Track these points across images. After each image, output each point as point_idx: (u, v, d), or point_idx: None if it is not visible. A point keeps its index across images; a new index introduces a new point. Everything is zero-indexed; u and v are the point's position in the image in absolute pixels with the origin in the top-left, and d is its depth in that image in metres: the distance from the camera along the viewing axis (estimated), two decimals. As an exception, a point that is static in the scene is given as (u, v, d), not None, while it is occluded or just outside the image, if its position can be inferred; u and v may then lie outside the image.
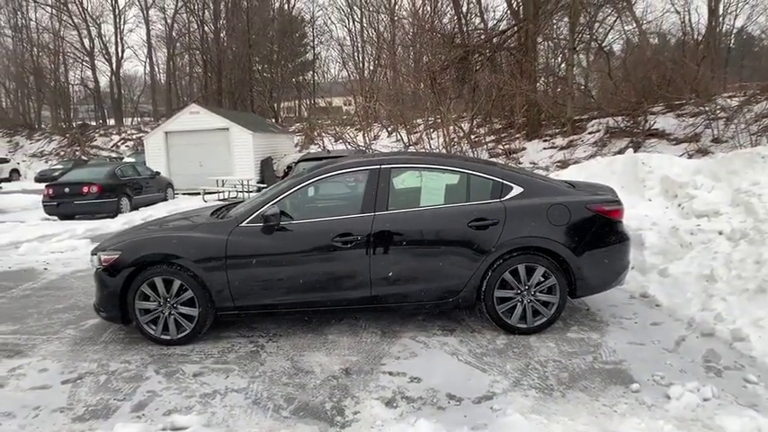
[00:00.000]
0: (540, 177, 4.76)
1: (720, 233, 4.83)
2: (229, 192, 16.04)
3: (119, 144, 34.71)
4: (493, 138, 14.78)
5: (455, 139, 13.75)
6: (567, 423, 2.99)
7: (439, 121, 14.68)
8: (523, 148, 13.42)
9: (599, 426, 2.95)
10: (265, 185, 16.98)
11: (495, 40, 12.75)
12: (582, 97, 13.17)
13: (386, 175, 4.27)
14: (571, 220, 4.12)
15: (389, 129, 22.65)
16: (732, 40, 22.92)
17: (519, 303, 4.17)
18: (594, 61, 15.38)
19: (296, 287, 4.23)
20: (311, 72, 38.67)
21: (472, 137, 13.98)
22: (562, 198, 4.21)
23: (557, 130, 12.92)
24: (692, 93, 11.04)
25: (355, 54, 36.57)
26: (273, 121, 30.79)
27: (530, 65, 12.12)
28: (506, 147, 13.42)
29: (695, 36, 18.19)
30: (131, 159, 22.84)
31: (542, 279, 4.13)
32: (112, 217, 12.69)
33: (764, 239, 4.46)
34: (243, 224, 4.25)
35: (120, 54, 43.23)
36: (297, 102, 37.44)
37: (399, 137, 19.66)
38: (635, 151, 8.78)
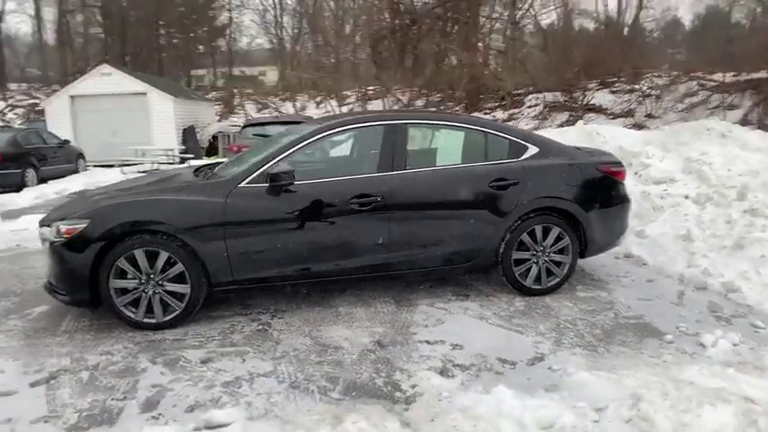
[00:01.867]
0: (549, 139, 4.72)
1: (686, 197, 5.22)
2: (153, 163, 14.23)
3: (4, 111, 29.18)
4: (432, 110, 14.84)
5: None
6: (637, 376, 2.99)
7: (375, 91, 14.42)
8: None
9: (666, 376, 3.00)
10: (193, 156, 15.48)
11: (438, 10, 12.69)
12: (519, 72, 13.63)
13: (402, 132, 3.96)
14: (584, 181, 4.15)
15: (317, 99, 21.68)
16: (661, 24, 24.62)
17: (534, 265, 4.14)
18: (532, 37, 15.92)
19: (306, 256, 3.80)
20: (226, 37, 34.90)
21: (410, 109, 13.94)
22: (575, 159, 4.22)
23: (495, 104, 13.31)
24: (619, 72, 12.01)
25: (277, 18, 33.82)
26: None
27: (472, 37, 12.27)
28: None
29: (626, 18, 19.30)
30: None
31: (557, 240, 4.14)
32: (17, 191, 10.80)
33: (729, 202, 4.89)
34: (242, 184, 3.70)
35: (1, 6, 36.52)
36: (213, 69, 33.88)
37: (331, 107, 18.89)
38: (574, 125, 9.37)
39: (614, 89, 12.20)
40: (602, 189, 4.20)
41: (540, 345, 3.46)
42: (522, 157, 4.10)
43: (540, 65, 14.61)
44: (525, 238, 4.07)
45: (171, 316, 3.70)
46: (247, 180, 3.70)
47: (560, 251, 4.16)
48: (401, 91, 13.24)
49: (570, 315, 3.89)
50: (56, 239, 3.61)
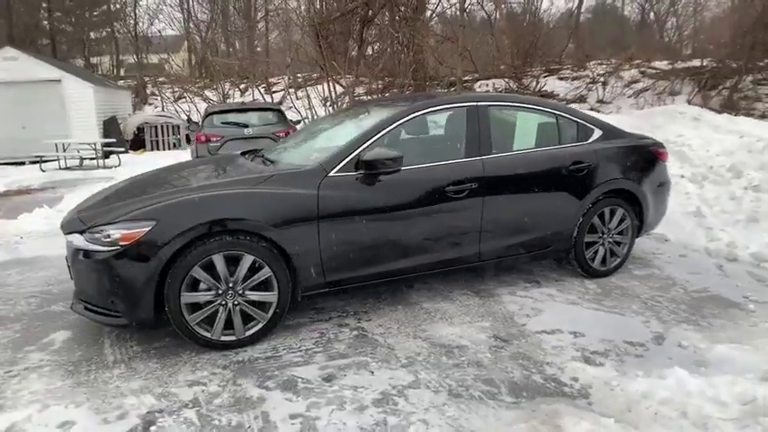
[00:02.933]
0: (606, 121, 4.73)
1: (683, 176, 5.61)
2: (81, 159, 11.87)
3: None
4: (377, 97, 14.29)
5: (338, 97, 12.82)
6: (768, 345, 3.12)
7: (304, 78, 13.42)
8: None
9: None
10: (124, 150, 13.33)
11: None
12: (467, 59, 13.65)
13: (485, 114, 3.71)
14: (644, 163, 4.24)
15: (241, 86, 19.74)
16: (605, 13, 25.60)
17: (601, 247, 4.15)
18: (481, 24, 15.86)
19: (401, 250, 3.42)
20: (127, 20, 29.89)
21: (354, 95, 13.26)
22: (635, 141, 4.30)
23: (444, 91, 13.24)
24: (559, 58, 12.57)
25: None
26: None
27: (420, 23, 12.00)
28: None
29: (572, 7, 19.85)
30: None
31: (620, 221, 4.18)
32: None
33: (728, 180, 5.35)
34: (333, 173, 3.21)
35: None
36: (115, 56, 29.01)
37: (260, 93, 17.25)
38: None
39: (561, 76, 12.89)
40: (655, 170, 4.31)
41: (648, 324, 3.46)
42: (590, 140, 4.07)
43: (487, 52, 14.99)
44: (596, 220, 4.05)
45: (253, 330, 3.12)
46: (337, 167, 3.22)
47: (621, 233, 4.22)
48: (341, 77, 12.68)
49: (646, 293, 3.95)
50: (103, 248, 2.84)
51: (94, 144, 12.04)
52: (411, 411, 2.54)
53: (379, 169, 3.18)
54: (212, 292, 2.97)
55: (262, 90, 17.90)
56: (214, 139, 7.95)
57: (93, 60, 29.20)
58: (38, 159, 11.56)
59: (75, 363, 2.95)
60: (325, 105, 13.33)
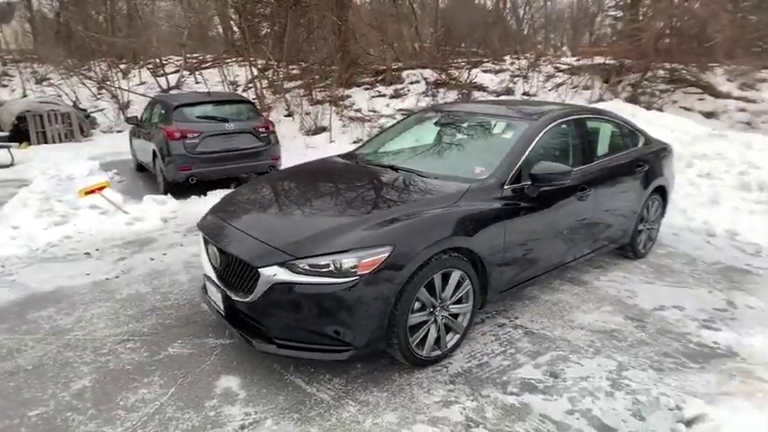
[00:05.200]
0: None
1: (645, 167, 6.72)
2: None
3: None
4: (299, 83, 13.39)
5: (259, 82, 11.84)
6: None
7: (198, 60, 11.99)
8: (348, 96, 12.89)
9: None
10: (18, 144, 10.68)
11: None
12: (392, 48, 13.47)
13: (584, 125, 4.21)
14: (669, 161, 5.12)
15: (122, 67, 16.67)
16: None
17: (645, 233, 4.95)
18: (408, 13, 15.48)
19: (548, 253, 3.79)
20: None
21: (275, 81, 12.36)
22: (663, 143, 5.14)
23: (369, 79, 13.00)
24: (474, 50, 13.10)
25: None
26: None
27: (346, 10, 11.62)
28: (333, 93, 12.26)
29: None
30: None
31: (656, 211, 5.02)
32: None
33: (682, 169, 6.57)
34: (507, 185, 3.43)
35: None
36: None
37: (155, 80, 14.81)
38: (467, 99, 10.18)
39: (485, 69, 13.65)
40: (671, 167, 5.24)
41: (713, 293, 4.30)
42: (640, 144, 4.82)
43: (413, 42, 15.13)
44: (645, 212, 4.83)
45: (453, 342, 3.25)
46: (509, 180, 3.45)
47: (655, 220, 5.07)
48: (267, 60, 11.85)
49: (683, 269, 4.82)
50: (348, 279, 2.74)
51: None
52: (645, 388, 2.98)
53: (550, 182, 3.47)
54: (427, 311, 3.05)
55: (148, 72, 15.91)
56: (191, 135, 7.21)
57: None
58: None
59: (292, 408, 2.80)
60: (235, 89, 12.58)
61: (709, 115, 11.25)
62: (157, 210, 6.32)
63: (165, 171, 7.31)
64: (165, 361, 3.18)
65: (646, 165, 4.66)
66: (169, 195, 7.03)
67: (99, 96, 15.80)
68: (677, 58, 11.58)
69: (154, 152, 7.61)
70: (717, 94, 11.59)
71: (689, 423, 2.66)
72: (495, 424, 2.67)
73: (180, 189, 7.36)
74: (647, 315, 3.89)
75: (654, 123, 7.73)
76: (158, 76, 15.61)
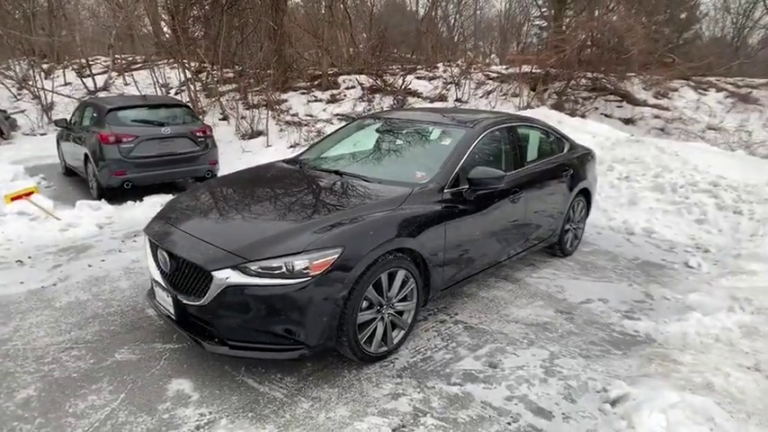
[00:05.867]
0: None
1: (571, 171, 7.19)
2: None
3: None
4: (234, 87, 12.93)
5: (192, 85, 11.39)
6: (714, 292, 4.59)
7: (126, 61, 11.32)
8: (285, 100, 12.62)
9: (723, 281, 4.68)
10: None
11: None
12: (328, 54, 13.29)
13: (515, 132, 4.50)
14: (591, 164, 5.53)
15: (45, 66, 15.35)
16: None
17: (571, 232, 5.33)
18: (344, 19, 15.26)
19: (484, 252, 4.03)
20: None
21: (209, 84, 11.90)
22: (586, 149, 5.54)
23: (305, 83, 12.80)
24: (408, 57, 13.20)
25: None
26: None
27: (281, 13, 11.39)
28: (269, 97, 11.94)
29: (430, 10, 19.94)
30: None
31: (581, 211, 5.41)
32: None
33: (604, 172, 7.08)
34: (446, 189, 3.64)
35: None
36: None
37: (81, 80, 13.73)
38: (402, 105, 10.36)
39: (419, 75, 13.86)
40: (594, 170, 5.65)
41: (632, 286, 4.71)
42: (566, 150, 5.19)
43: (347, 48, 15.05)
44: (571, 213, 5.20)
45: (399, 338, 3.42)
46: (448, 184, 3.66)
47: (580, 220, 5.47)
48: (202, 63, 11.46)
49: (607, 264, 5.24)
50: (299, 280, 2.84)
51: None
52: (575, 373, 3.27)
53: (486, 186, 3.71)
54: (374, 309, 3.20)
55: (74, 73, 15.04)
56: (126, 139, 6.98)
57: None
58: None
59: (246, 407, 2.88)
60: (167, 92, 12.21)
61: (628, 122, 12.15)
62: (92, 216, 6.12)
63: (98, 176, 7.06)
64: (113, 367, 3.16)
65: (571, 169, 5.04)
66: (103, 201, 6.82)
67: (19, 97, 14.90)
68: (598, 67, 12.43)
69: (86, 156, 7.32)
70: (634, 102, 12.51)
71: (614, 403, 2.96)
72: (440, 412, 2.85)
73: (115, 194, 7.15)
74: (574, 308, 4.22)
75: (578, 129, 8.28)
76: (84, 77, 14.87)
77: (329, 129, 11.05)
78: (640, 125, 12.05)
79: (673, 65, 13.42)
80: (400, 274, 3.28)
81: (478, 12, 29.35)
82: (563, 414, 2.89)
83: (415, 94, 12.81)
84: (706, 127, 11.74)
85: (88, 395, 2.89)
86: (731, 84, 13.63)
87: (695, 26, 25.52)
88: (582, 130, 8.40)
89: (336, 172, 3.97)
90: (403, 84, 12.79)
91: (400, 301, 3.35)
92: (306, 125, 11.84)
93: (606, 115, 12.28)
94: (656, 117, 12.24)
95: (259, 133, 11.76)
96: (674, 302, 4.40)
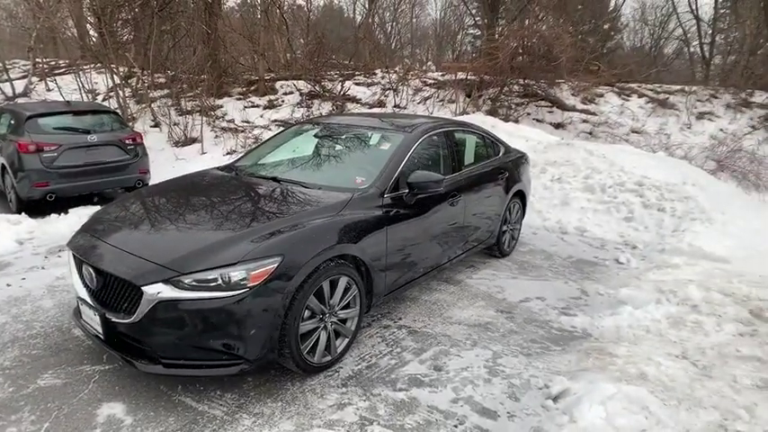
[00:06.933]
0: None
1: (507, 174, 7.38)
2: None
3: None
4: (166, 92, 12.23)
5: (121, 90, 10.72)
6: (643, 285, 4.81)
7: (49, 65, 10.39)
8: (220, 106, 12.06)
9: (652, 275, 4.92)
10: None
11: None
12: (267, 59, 12.85)
13: (452, 137, 4.54)
14: (525, 167, 5.68)
15: None
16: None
17: (508, 233, 5.45)
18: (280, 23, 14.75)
19: (426, 255, 4.04)
20: None
21: (139, 89, 11.17)
22: (520, 152, 5.68)
23: (241, 89, 12.34)
24: (346, 63, 12.97)
25: None
26: None
27: (220, 20, 10.90)
28: (203, 103, 11.38)
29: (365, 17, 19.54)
30: None
31: (517, 212, 5.55)
32: None
33: (537, 174, 7.31)
34: (386, 194, 3.62)
35: None
36: None
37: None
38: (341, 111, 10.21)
39: (357, 81, 13.74)
40: (528, 173, 5.82)
41: (568, 284, 4.88)
42: (501, 153, 5.30)
43: (284, 53, 14.65)
44: (508, 215, 5.32)
45: (343, 346, 3.37)
46: (388, 189, 3.64)
47: (517, 221, 5.61)
48: (115, 68, 10.80)
49: (543, 263, 5.40)
50: (238, 292, 2.73)
51: None
52: (517, 372, 3.32)
53: (425, 189, 3.73)
54: (316, 318, 3.13)
55: None
56: (48, 148, 6.52)
57: None
58: None
59: (184, 428, 2.74)
60: (94, 98, 11.58)
61: (558, 126, 12.66)
62: (11, 230, 5.69)
63: (17, 188, 6.59)
64: (36, 394, 2.92)
65: (506, 172, 5.17)
66: (24, 214, 6.35)
67: None
68: (530, 74, 12.89)
69: (3, 167, 6.82)
70: (564, 108, 13.07)
71: (556, 398, 3.03)
72: (387, 420, 2.82)
73: (36, 207, 6.68)
74: (514, 307, 4.31)
75: (512, 134, 8.53)
76: (1, 82, 13.89)
77: (267, 135, 10.84)
78: (570, 129, 12.59)
79: (598, 72, 14.12)
80: (342, 281, 3.24)
81: (414, 20, 29.91)
82: (508, 413, 2.93)
83: (354, 99, 12.82)
84: (630, 130, 12.43)
85: (7, 427, 2.65)
86: (651, 90, 14.51)
87: (617, 36, 27.08)
88: (516, 135, 8.67)
89: (274, 179, 3.87)
90: (341, 90, 12.77)
91: (343, 308, 3.31)
92: (242, 131, 11.56)
93: (538, 120, 12.76)
94: (584, 121, 12.84)
95: (193, 140, 11.37)
96: (607, 297, 4.59)
